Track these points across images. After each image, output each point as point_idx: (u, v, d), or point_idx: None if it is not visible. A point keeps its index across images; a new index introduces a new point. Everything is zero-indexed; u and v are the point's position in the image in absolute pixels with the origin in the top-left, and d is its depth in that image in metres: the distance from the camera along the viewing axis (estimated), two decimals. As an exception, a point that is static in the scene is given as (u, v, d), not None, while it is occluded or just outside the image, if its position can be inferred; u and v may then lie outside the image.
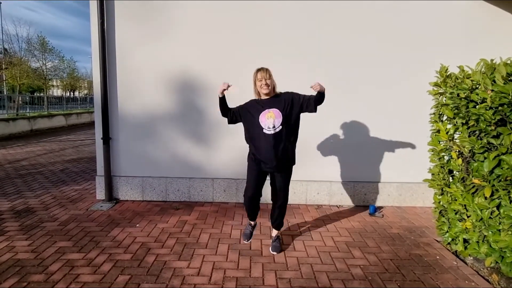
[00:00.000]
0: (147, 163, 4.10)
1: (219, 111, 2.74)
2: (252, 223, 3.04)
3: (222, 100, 2.69)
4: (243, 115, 2.71)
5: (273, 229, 2.99)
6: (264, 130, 2.57)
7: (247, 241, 2.96)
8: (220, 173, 4.09)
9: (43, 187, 4.65)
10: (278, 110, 2.57)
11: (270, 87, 2.58)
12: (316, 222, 3.53)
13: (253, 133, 2.66)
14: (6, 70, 19.02)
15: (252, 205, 2.84)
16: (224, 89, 2.60)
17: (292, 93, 2.68)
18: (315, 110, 2.63)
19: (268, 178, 2.83)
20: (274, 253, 2.81)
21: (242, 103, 2.76)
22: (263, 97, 2.65)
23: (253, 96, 2.72)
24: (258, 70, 2.60)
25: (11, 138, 10.25)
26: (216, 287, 2.28)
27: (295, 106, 2.61)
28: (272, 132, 2.55)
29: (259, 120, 2.59)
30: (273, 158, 2.58)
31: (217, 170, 4.07)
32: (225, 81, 2.62)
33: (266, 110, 2.58)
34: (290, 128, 2.63)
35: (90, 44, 3.84)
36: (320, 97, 2.55)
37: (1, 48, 20.53)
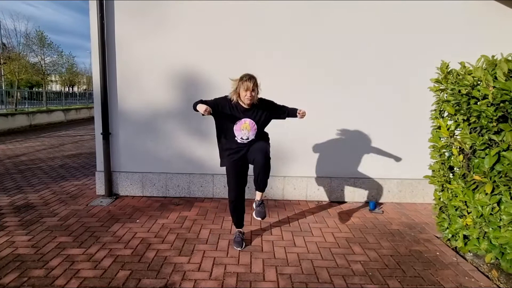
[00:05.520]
0: (147, 159, 4.09)
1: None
2: (241, 230, 2.92)
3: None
4: (218, 113, 2.55)
5: (257, 192, 2.76)
6: (236, 138, 2.61)
7: (241, 248, 2.77)
8: (220, 169, 4.02)
9: (42, 183, 4.64)
10: (253, 122, 2.57)
11: (253, 100, 2.52)
12: (316, 218, 3.54)
13: (226, 135, 2.67)
14: (4, 65, 18.89)
15: (238, 210, 2.82)
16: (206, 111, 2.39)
17: (272, 102, 2.70)
18: (283, 119, 2.81)
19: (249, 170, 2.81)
20: (259, 218, 2.73)
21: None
22: (243, 104, 2.55)
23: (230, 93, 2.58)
24: (246, 79, 2.43)
25: (10, 133, 10.21)
26: (216, 283, 2.29)
27: (271, 115, 2.68)
28: (245, 142, 2.62)
29: (234, 129, 2.58)
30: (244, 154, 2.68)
31: (217, 166, 4.02)
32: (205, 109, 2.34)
33: (242, 120, 2.55)
34: (261, 133, 2.70)
35: (89, 39, 3.81)
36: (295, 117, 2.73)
37: (-1, 43, 20.39)
